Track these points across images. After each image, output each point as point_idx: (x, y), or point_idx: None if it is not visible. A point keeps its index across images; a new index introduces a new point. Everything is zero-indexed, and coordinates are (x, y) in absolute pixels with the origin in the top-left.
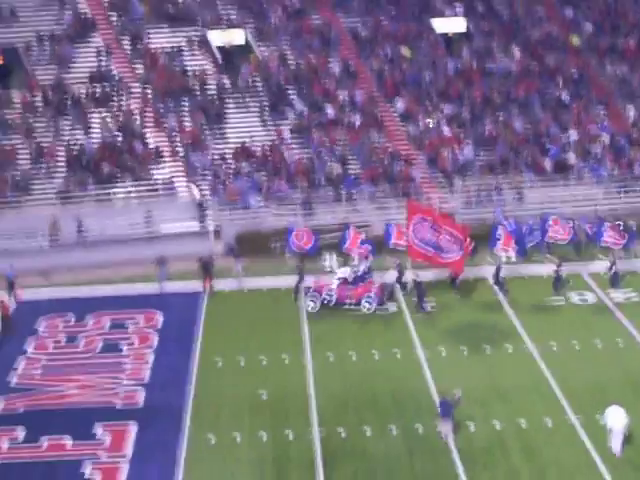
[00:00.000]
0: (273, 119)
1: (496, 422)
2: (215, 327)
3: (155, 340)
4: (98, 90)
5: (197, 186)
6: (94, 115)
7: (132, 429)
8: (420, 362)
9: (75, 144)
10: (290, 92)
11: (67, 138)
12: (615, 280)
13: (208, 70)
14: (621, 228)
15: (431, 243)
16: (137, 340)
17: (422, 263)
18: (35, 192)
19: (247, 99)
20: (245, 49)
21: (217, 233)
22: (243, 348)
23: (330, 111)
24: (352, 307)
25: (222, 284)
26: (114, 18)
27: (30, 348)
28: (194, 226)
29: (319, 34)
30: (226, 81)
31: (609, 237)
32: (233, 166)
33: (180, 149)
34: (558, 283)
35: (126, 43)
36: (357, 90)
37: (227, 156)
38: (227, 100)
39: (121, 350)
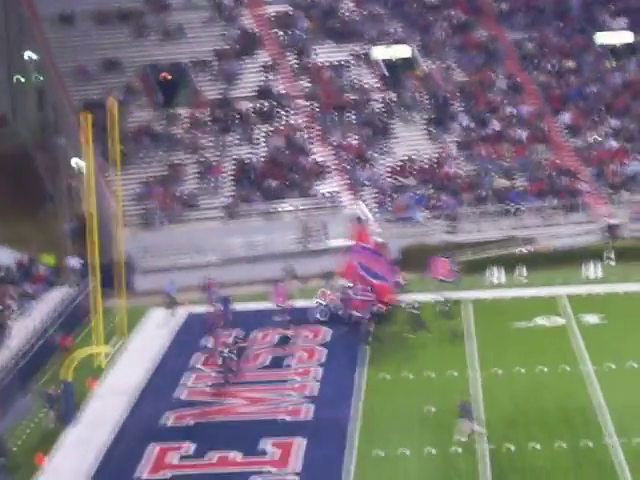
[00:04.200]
0: (438, 133)
1: None
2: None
3: (323, 355)
4: (264, 106)
5: (363, 201)
6: (260, 130)
7: (300, 444)
8: (589, 377)
9: (241, 160)
10: (455, 106)
11: (233, 154)
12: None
13: (373, 85)
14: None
15: (371, 270)
16: (304, 355)
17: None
18: (202, 208)
19: (412, 113)
20: (410, 63)
21: None
22: (410, 363)
23: (496, 125)
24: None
25: None
26: (279, 34)
27: (198, 363)
28: None
29: (484, 48)
30: (391, 95)
31: None
32: (399, 180)
33: (345, 164)
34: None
35: (291, 58)
36: (523, 104)
37: (393, 170)
38: (392, 114)
39: (288, 365)
